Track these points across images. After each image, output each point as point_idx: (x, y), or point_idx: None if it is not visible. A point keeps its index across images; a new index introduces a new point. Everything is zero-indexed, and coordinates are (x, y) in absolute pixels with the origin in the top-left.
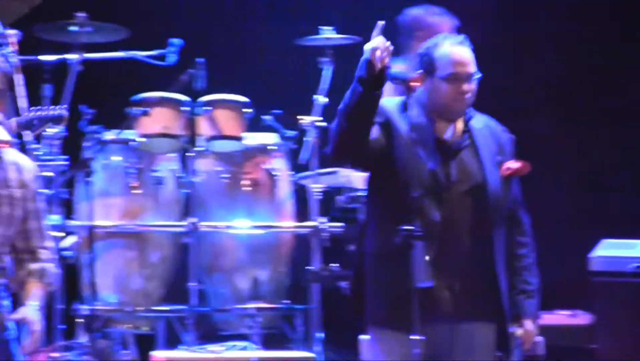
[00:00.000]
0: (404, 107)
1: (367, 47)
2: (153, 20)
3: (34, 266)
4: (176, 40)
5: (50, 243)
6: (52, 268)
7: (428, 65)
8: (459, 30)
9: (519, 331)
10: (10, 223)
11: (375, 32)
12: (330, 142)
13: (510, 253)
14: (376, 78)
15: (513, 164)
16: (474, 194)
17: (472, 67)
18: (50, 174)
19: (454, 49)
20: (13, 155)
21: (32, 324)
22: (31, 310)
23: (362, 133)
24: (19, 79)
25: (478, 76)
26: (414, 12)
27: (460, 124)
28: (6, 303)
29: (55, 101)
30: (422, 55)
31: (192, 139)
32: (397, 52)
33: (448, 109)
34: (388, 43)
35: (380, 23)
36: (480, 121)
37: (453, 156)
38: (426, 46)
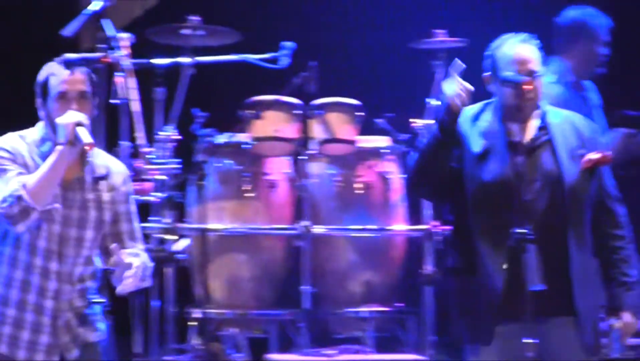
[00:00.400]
0: (478, 115)
1: (449, 91)
2: (265, 23)
3: None
4: (288, 44)
5: (141, 245)
6: (146, 262)
7: (492, 66)
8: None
9: (617, 324)
10: (99, 226)
11: (454, 72)
12: (407, 176)
13: (604, 245)
14: (454, 121)
15: (593, 156)
16: (551, 191)
17: (533, 65)
18: (163, 177)
19: (515, 48)
20: (102, 158)
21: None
22: (127, 256)
23: (436, 173)
24: (131, 83)
25: (542, 73)
26: (573, 14)
27: (534, 122)
28: (97, 307)
29: (168, 104)
30: (488, 57)
31: (304, 142)
32: (552, 52)
33: (513, 109)
34: (468, 85)
35: (459, 64)
36: (559, 116)
37: (528, 156)
38: (492, 47)
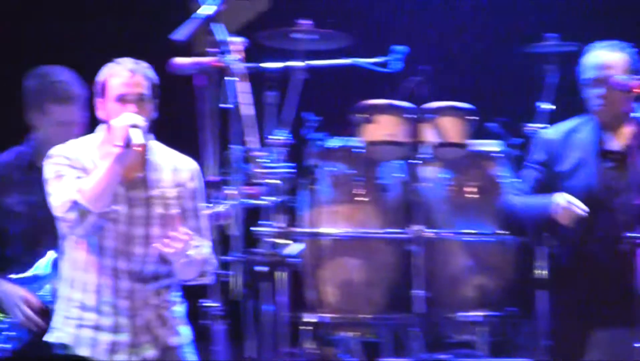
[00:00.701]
0: (572, 130)
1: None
2: (377, 27)
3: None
4: (400, 47)
5: (208, 242)
6: (211, 258)
7: (579, 73)
8: None
9: None
10: (164, 223)
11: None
12: (507, 220)
13: None
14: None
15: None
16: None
17: (614, 71)
18: (275, 181)
19: (597, 53)
20: (169, 156)
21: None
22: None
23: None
24: (243, 87)
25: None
26: None
27: (628, 128)
28: (179, 308)
29: (280, 109)
30: (579, 64)
31: (416, 146)
32: None
33: (598, 115)
34: (582, 208)
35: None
36: None
37: (620, 162)
38: (583, 53)
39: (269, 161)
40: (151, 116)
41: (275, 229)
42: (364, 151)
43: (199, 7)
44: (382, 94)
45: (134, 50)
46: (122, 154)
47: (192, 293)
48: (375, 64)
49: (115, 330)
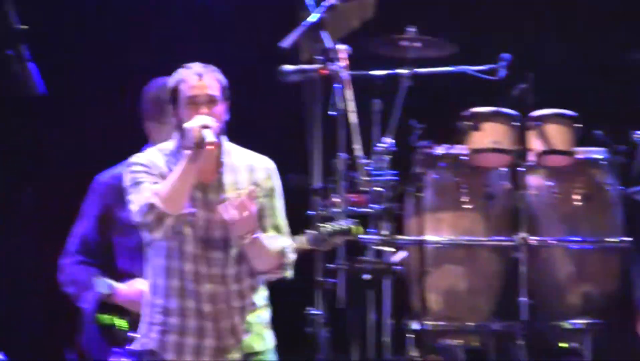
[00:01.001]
0: None
1: None
2: (483, 34)
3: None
4: (506, 55)
5: (287, 240)
6: (289, 252)
7: None
8: None
9: None
10: None
11: None
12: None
13: None
14: None
15: None
16: None
17: None
18: (381, 189)
19: None
20: (245, 156)
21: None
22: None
23: None
24: (349, 94)
25: None
26: None
27: None
28: (264, 313)
29: (386, 116)
30: None
31: (522, 154)
32: None
33: None
34: None
35: None
36: None
37: None
38: None
39: (374, 168)
40: (223, 117)
41: (381, 237)
42: (469, 158)
43: (307, 14)
44: (488, 102)
45: (242, 58)
46: (195, 155)
47: (296, 301)
48: (481, 71)
49: (199, 333)
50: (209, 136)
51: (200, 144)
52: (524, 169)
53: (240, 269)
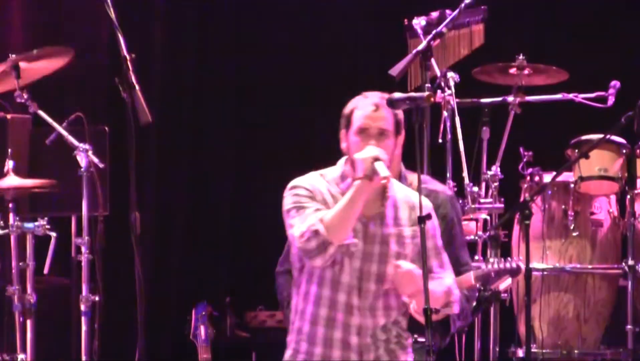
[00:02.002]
0: None
1: None
2: (591, 61)
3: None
4: (615, 82)
5: (451, 274)
6: (455, 289)
7: None
8: None
9: None
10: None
11: None
12: None
13: None
14: None
15: None
16: None
17: None
18: (486, 216)
19: None
20: (406, 193)
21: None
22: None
23: None
24: (457, 122)
25: None
26: None
27: None
28: (406, 343)
29: (493, 143)
30: None
31: (630, 181)
32: None
33: None
34: None
35: None
36: None
37: None
38: None
39: (481, 196)
40: (392, 151)
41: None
42: (578, 186)
43: (417, 42)
44: (597, 129)
45: (351, 85)
46: (364, 186)
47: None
48: (590, 98)
49: None
50: (382, 170)
51: (371, 176)
52: (632, 197)
53: (390, 303)
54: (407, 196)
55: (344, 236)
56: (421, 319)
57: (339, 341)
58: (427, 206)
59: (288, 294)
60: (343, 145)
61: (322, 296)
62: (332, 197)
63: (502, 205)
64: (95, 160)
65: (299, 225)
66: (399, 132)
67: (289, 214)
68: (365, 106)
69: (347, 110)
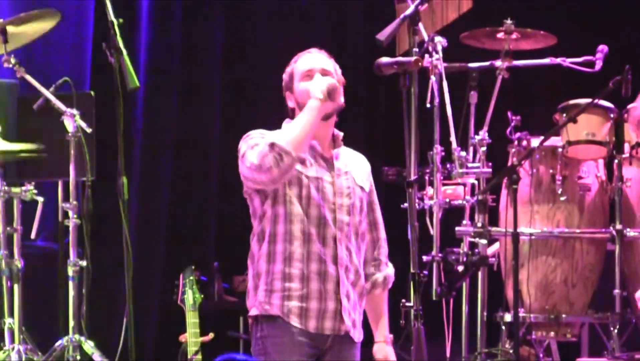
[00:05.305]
0: None
1: None
2: (579, 26)
3: (378, 275)
4: (603, 47)
5: (391, 270)
6: (391, 274)
7: None
8: None
9: None
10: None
11: None
12: None
13: None
14: None
15: None
16: None
17: None
18: (474, 181)
19: None
20: (347, 151)
21: None
22: (385, 349)
23: None
24: (445, 86)
25: None
26: None
27: None
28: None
29: (481, 108)
30: None
31: (618, 146)
32: None
33: None
34: None
35: None
36: None
37: None
38: None
39: (469, 160)
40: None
41: (475, 229)
42: (565, 150)
43: (404, 7)
44: (585, 94)
45: (341, 52)
46: (318, 106)
47: (390, 293)
48: (577, 63)
49: (321, 296)
50: (334, 90)
51: (326, 97)
52: (619, 161)
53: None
54: (349, 153)
55: (300, 147)
56: None
57: (315, 273)
58: (368, 165)
59: None
60: (290, 103)
61: (289, 232)
62: None
63: (490, 170)
64: (83, 125)
65: (253, 152)
66: (341, 84)
67: (243, 154)
68: (303, 56)
69: (287, 70)
